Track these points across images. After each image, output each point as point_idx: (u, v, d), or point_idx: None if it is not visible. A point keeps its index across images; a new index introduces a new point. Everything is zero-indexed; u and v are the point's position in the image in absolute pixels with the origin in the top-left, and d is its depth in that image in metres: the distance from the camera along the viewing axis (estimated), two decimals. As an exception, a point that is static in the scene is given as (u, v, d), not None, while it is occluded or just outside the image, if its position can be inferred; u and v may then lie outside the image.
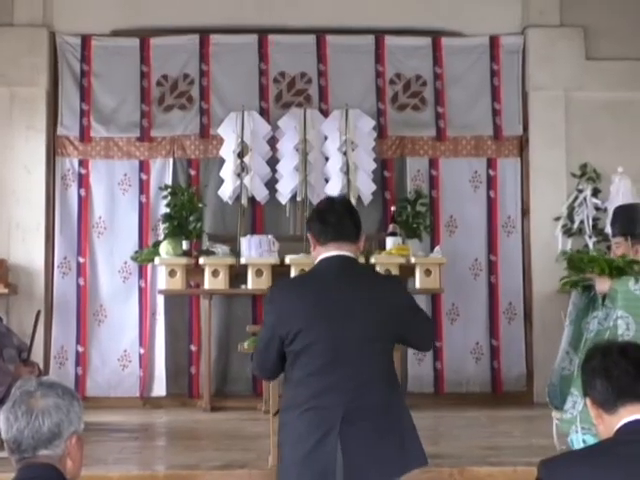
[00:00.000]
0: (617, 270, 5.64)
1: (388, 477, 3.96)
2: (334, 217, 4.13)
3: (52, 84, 9.53)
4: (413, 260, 8.75)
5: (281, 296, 4.13)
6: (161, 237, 9.12)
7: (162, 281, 9.02)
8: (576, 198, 9.37)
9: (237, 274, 8.78)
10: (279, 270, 8.62)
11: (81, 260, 9.41)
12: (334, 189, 9.08)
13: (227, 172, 9.23)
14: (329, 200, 4.38)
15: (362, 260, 8.48)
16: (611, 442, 3.02)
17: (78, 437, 3.00)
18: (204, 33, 9.64)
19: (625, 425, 3.01)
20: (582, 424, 5.31)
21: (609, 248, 7.52)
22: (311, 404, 3.93)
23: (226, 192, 9.21)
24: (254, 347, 4.43)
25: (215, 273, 8.70)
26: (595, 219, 9.28)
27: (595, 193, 9.33)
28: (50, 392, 2.97)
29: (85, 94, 9.57)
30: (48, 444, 2.92)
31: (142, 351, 9.32)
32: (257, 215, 9.48)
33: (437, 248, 9.02)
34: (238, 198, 9.19)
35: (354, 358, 3.95)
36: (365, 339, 3.98)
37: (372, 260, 8.64)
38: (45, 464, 2.91)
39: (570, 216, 9.35)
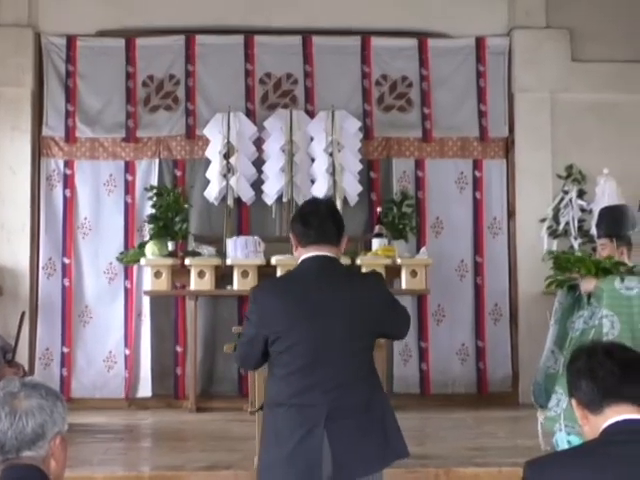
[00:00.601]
0: (604, 271, 5.66)
1: (371, 472, 4.01)
2: (316, 220, 4.18)
3: (37, 84, 9.49)
4: (399, 261, 8.76)
5: (263, 297, 4.18)
6: (147, 238, 9.10)
7: (148, 282, 9.00)
8: (562, 199, 9.38)
9: (223, 275, 8.77)
10: (265, 271, 8.61)
11: (66, 261, 9.38)
12: (320, 190, 9.08)
13: (213, 173, 9.21)
14: (312, 202, 4.43)
15: (348, 261, 8.50)
16: (597, 443, 3.02)
17: (62, 438, 2.98)
18: (190, 33, 9.63)
19: (611, 425, 3.01)
20: (566, 422, 5.32)
21: (594, 249, 7.52)
22: (293, 402, 3.97)
23: (212, 193, 9.20)
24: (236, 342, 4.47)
25: (201, 274, 8.69)
26: (580, 220, 9.29)
27: (580, 194, 9.34)
28: (34, 393, 2.95)
29: (70, 94, 9.55)
30: (32, 445, 2.90)
31: (127, 352, 9.29)
32: (243, 216, 9.47)
33: (423, 249, 9.03)
34: (224, 199, 9.18)
35: (335, 358, 4.00)
36: (346, 339, 4.03)
37: (358, 261, 8.64)
38: (29, 465, 2.90)
39: (556, 217, 9.35)
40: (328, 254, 4.17)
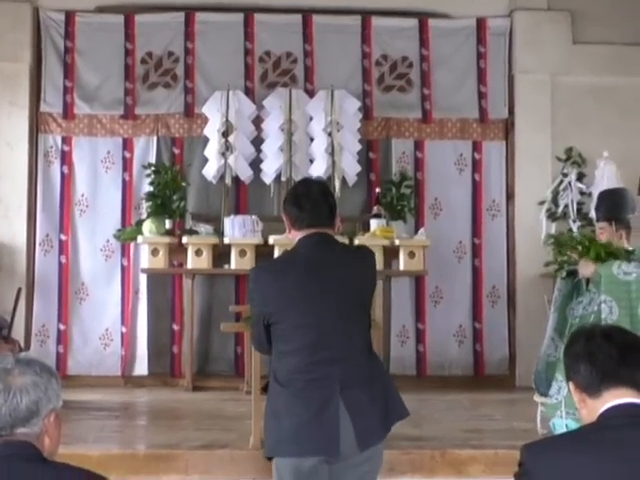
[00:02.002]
0: (611, 256, 5.65)
1: (377, 439, 4.11)
2: (310, 203, 4.21)
3: (35, 60, 9.44)
4: (397, 242, 8.73)
5: (263, 277, 4.22)
6: (144, 216, 9.07)
7: (145, 260, 8.98)
8: (561, 182, 9.35)
9: (220, 254, 8.74)
10: (263, 250, 8.60)
11: (63, 238, 9.36)
12: (319, 170, 9.05)
13: (211, 151, 9.18)
14: (304, 183, 4.43)
15: (346, 241, 8.47)
16: (595, 426, 3.00)
17: (56, 415, 2.96)
18: (189, 11, 9.58)
19: (609, 409, 2.99)
20: (567, 409, 5.33)
21: (593, 233, 7.51)
22: (304, 376, 4.04)
23: (210, 171, 9.17)
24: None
25: (198, 252, 8.66)
26: (580, 203, 9.26)
27: (580, 177, 9.31)
28: (28, 370, 2.93)
29: (68, 70, 9.50)
30: (26, 422, 2.89)
31: (124, 330, 9.28)
32: (241, 195, 9.44)
33: (421, 230, 9.01)
34: (222, 177, 9.15)
35: (339, 331, 4.07)
36: (346, 313, 4.11)
37: (356, 242, 8.61)
38: (22, 442, 2.88)
39: (555, 200, 9.33)
40: (322, 231, 4.22)
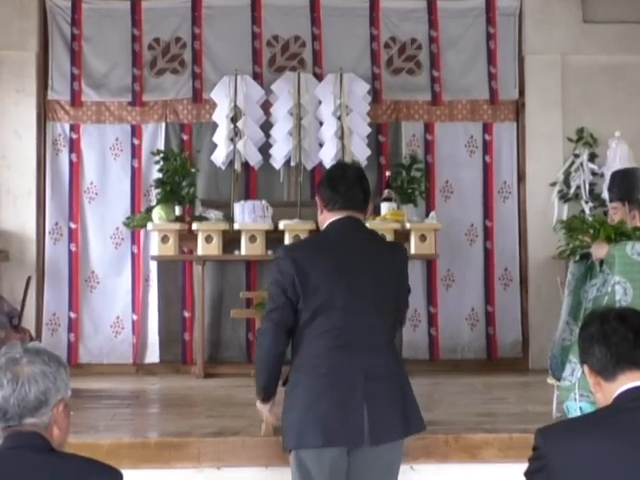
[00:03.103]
0: (623, 236, 5.60)
1: (396, 437, 4.13)
2: (344, 186, 4.26)
3: (42, 48, 9.40)
4: (408, 226, 8.69)
5: (295, 252, 4.25)
6: (153, 202, 9.04)
7: (155, 247, 8.94)
8: (572, 163, 9.29)
9: (230, 240, 8.71)
10: (273, 236, 8.57)
11: (73, 226, 9.33)
12: (328, 154, 9.00)
13: (220, 137, 9.13)
14: (340, 167, 4.55)
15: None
16: (610, 410, 2.97)
17: (65, 404, 2.95)
18: (196, -4, 9.54)
19: (624, 392, 2.97)
20: (581, 391, 5.29)
21: (606, 214, 7.47)
22: (328, 361, 4.07)
23: (219, 157, 9.13)
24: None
25: (208, 239, 8.63)
26: (592, 184, 9.20)
27: (592, 158, 9.25)
28: (36, 359, 2.92)
29: (76, 58, 9.45)
30: (35, 412, 2.88)
31: (135, 318, 9.26)
32: (251, 180, 9.40)
33: (432, 213, 8.97)
34: (231, 163, 9.10)
35: (365, 320, 4.10)
36: (373, 304, 4.13)
37: (367, 225, 8.55)
38: (31, 432, 2.87)
39: (566, 181, 9.27)
40: (355, 216, 4.26)
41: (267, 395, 4.37)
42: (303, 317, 4.11)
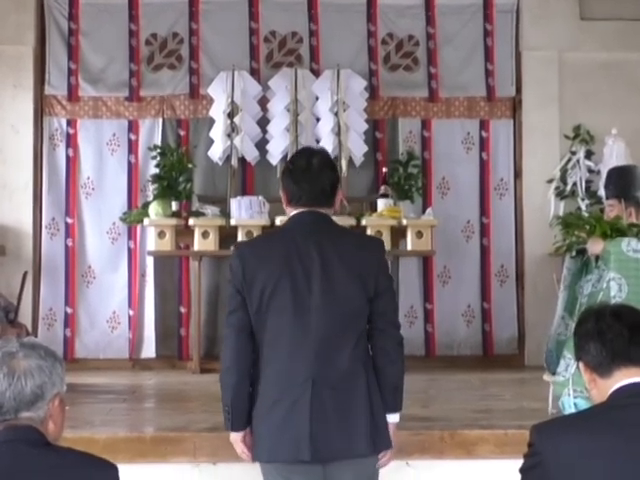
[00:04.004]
0: (618, 232, 5.60)
1: (355, 454, 3.85)
2: (308, 180, 3.95)
3: (39, 42, 9.39)
4: (404, 222, 8.69)
5: (244, 250, 4.03)
6: (150, 198, 9.04)
7: (151, 242, 8.93)
8: (569, 160, 9.30)
9: (227, 235, 8.70)
10: (269, 231, 8.55)
11: (69, 221, 9.33)
12: (325, 150, 8.99)
13: (217, 132, 9.13)
14: (305, 156, 4.07)
15: (353, 222, 8.45)
16: (605, 406, 2.98)
17: (60, 399, 2.96)
18: (193, -9, 9.53)
19: (619, 389, 2.97)
20: (574, 386, 5.29)
21: (602, 211, 7.47)
22: (276, 368, 3.84)
23: (216, 153, 9.13)
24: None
25: (205, 234, 8.63)
26: (588, 181, 9.21)
27: (588, 155, 9.26)
28: (32, 353, 2.92)
29: (73, 53, 9.45)
30: (30, 406, 2.88)
31: (131, 313, 9.27)
32: (247, 176, 9.41)
33: (429, 210, 8.96)
34: (228, 159, 9.10)
35: (318, 321, 3.81)
36: (336, 301, 3.84)
37: (363, 222, 8.57)
38: (27, 426, 2.87)
39: (563, 178, 9.28)
40: (320, 210, 3.97)
41: (237, 420, 3.93)
42: (254, 318, 3.86)
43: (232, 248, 4.13)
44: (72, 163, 9.37)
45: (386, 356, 3.95)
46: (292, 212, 4.01)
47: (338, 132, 9.05)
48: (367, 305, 3.90)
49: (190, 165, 9.07)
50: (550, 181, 9.29)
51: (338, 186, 4.04)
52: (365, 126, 9.23)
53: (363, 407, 3.84)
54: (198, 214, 8.76)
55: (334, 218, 4.14)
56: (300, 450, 3.77)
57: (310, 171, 3.97)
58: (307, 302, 3.82)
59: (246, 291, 3.87)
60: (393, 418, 3.98)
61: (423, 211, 9.08)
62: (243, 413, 3.92)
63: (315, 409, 3.77)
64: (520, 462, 3.02)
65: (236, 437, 3.98)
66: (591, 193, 9.14)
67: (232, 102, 9.06)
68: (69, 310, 9.27)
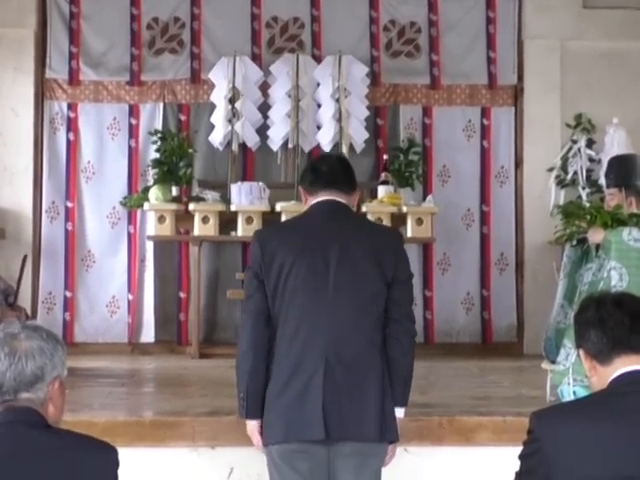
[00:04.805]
0: (619, 222, 5.60)
1: (365, 438, 3.87)
2: (326, 167, 4.05)
3: (40, 26, 9.37)
4: (405, 209, 8.70)
5: (264, 235, 4.06)
6: (150, 182, 9.04)
7: (151, 227, 8.94)
8: (570, 149, 9.30)
9: (227, 221, 8.72)
10: (269, 217, 8.57)
11: (69, 205, 9.33)
12: (326, 136, 9.00)
13: (218, 118, 9.12)
14: (323, 155, 4.48)
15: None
16: (605, 394, 2.97)
17: (61, 382, 2.95)
18: (196, -25, 9.51)
19: (619, 377, 2.97)
20: (575, 375, 5.30)
21: (602, 200, 7.46)
22: (292, 348, 3.86)
23: (217, 138, 9.12)
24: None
25: (205, 220, 8.63)
26: (589, 170, 9.21)
27: (589, 144, 9.26)
28: (34, 335, 2.92)
29: (74, 36, 9.42)
30: (30, 387, 2.87)
31: (131, 297, 9.27)
32: (248, 161, 9.40)
33: (429, 197, 8.96)
34: (229, 144, 9.10)
35: (342, 300, 3.85)
36: (354, 281, 3.88)
37: (363, 209, 8.57)
38: (26, 408, 2.87)
39: (564, 167, 9.28)
40: (340, 199, 4.02)
41: (252, 406, 3.94)
42: (271, 301, 3.89)
43: (253, 234, 4.16)
44: (72, 147, 9.36)
45: (399, 347, 3.99)
46: (310, 203, 4.07)
47: (339, 118, 9.04)
48: (385, 290, 3.94)
49: (191, 150, 9.07)
50: (551, 169, 9.28)
51: (355, 182, 4.13)
52: (366, 113, 9.22)
53: (375, 393, 3.87)
54: (198, 199, 8.76)
55: None
56: (314, 429, 3.79)
57: (328, 162, 4.14)
58: (325, 281, 3.86)
59: (264, 273, 3.90)
60: (399, 412, 4.01)
61: (423, 198, 9.08)
62: (259, 399, 3.92)
63: (328, 388, 3.80)
64: (518, 449, 3.01)
65: (253, 428, 3.99)
66: (592, 182, 9.14)
67: (233, 87, 9.05)
68: (68, 294, 9.27)
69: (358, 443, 3.86)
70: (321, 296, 3.86)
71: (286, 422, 3.84)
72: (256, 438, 3.99)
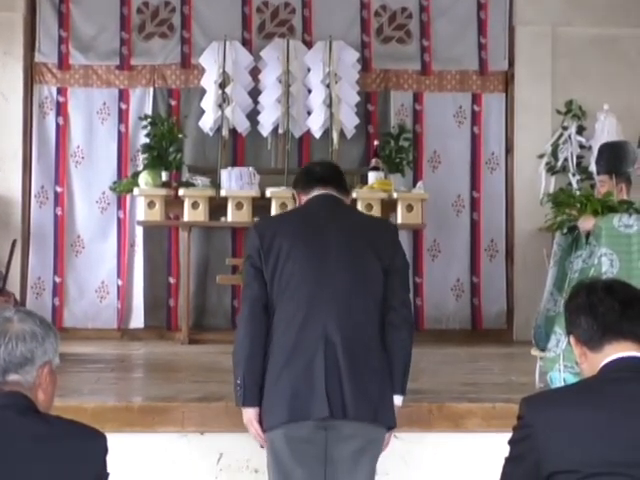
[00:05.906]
0: (609, 210, 5.60)
1: (365, 418, 3.91)
2: (320, 168, 4.20)
3: (29, 9, 9.31)
4: (395, 195, 8.68)
5: (262, 225, 4.18)
6: (140, 168, 9.00)
7: (141, 212, 8.90)
8: (561, 135, 9.28)
9: (217, 206, 8.70)
10: (259, 203, 8.56)
11: (59, 190, 9.29)
12: (316, 122, 8.98)
13: (208, 103, 9.09)
14: (315, 161, 4.45)
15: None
16: (595, 380, 2.97)
17: (50, 369, 2.95)
18: (186, -41, 9.46)
19: (610, 363, 2.97)
20: (565, 362, 5.31)
21: (593, 187, 7.47)
22: (292, 330, 3.90)
23: (207, 123, 9.09)
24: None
25: (195, 205, 8.61)
26: (579, 157, 9.20)
27: (580, 131, 9.25)
28: (27, 319, 2.94)
29: (64, 20, 9.37)
30: (19, 368, 2.88)
31: (120, 283, 9.25)
32: (238, 147, 9.38)
33: (420, 183, 8.95)
34: (219, 129, 9.06)
35: (340, 283, 3.92)
36: (352, 264, 3.95)
37: (354, 195, 8.54)
38: (15, 392, 2.87)
39: (554, 154, 9.27)
40: (335, 194, 4.11)
41: (249, 393, 3.95)
42: (269, 287, 3.94)
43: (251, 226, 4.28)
44: (62, 131, 9.33)
45: (397, 334, 4.02)
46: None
47: (329, 104, 9.02)
48: (382, 275, 3.99)
49: (180, 135, 9.04)
50: (541, 156, 9.27)
51: (349, 189, 4.35)
52: (357, 98, 9.20)
53: (375, 376, 3.93)
54: (188, 184, 8.73)
55: None
56: (318, 407, 3.81)
57: (322, 165, 4.29)
58: (324, 265, 3.94)
59: (263, 259, 3.96)
60: (397, 400, 4.05)
61: (414, 184, 9.07)
62: (255, 386, 3.93)
63: (329, 367, 3.84)
64: (508, 435, 3.01)
65: (250, 416, 3.98)
66: (582, 169, 9.13)
67: (223, 72, 9.02)
68: (58, 279, 9.25)
69: (358, 423, 3.89)
70: (319, 280, 3.92)
71: (289, 402, 3.85)
72: (254, 426, 3.98)
